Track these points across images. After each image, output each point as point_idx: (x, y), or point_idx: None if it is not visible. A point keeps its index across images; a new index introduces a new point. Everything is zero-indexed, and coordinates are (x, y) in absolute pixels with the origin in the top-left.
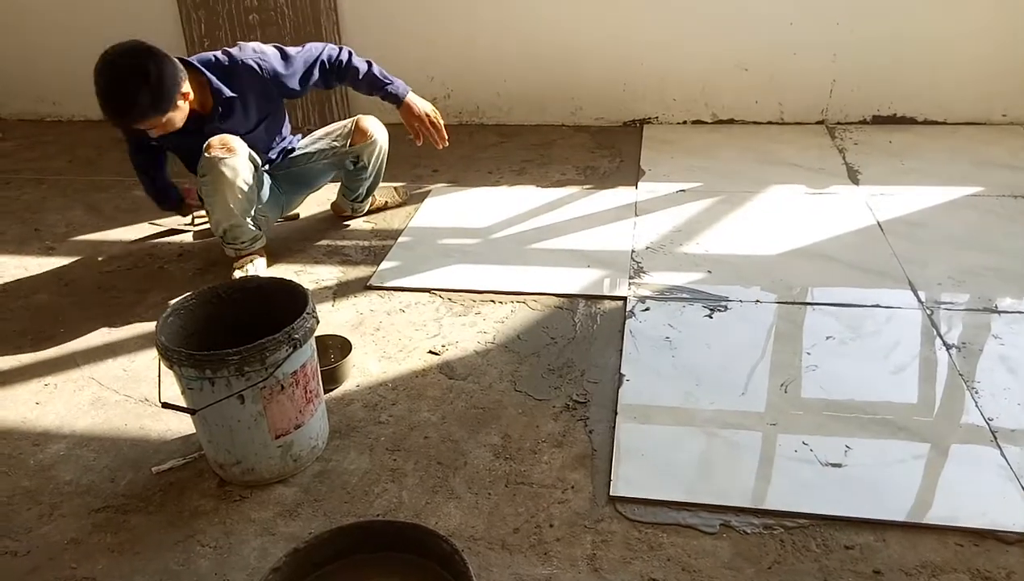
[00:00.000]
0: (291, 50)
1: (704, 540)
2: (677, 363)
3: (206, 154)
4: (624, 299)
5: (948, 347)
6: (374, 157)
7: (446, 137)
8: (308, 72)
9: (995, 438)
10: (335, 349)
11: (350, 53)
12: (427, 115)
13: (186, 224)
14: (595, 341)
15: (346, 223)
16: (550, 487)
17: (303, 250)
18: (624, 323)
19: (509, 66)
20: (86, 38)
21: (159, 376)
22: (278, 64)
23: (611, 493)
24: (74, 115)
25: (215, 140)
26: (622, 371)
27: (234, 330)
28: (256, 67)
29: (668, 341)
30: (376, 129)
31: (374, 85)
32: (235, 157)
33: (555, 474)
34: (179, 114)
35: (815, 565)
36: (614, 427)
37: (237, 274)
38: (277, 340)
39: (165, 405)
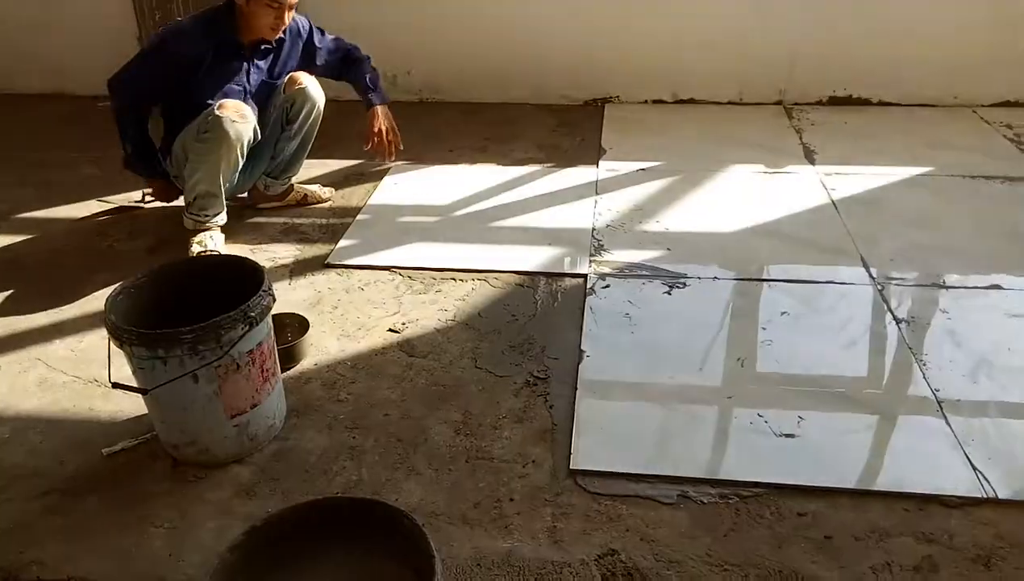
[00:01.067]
0: (323, 30)
1: (662, 510)
2: (636, 339)
3: (217, 113)
4: (584, 276)
5: (898, 321)
6: (305, 109)
7: (394, 154)
8: (333, 53)
9: (941, 408)
10: (292, 328)
11: (368, 57)
12: (387, 130)
13: (136, 201)
14: (556, 318)
15: (263, 210)
16: (511, 462)
17: (259, 228)
18: (584, 300)
19: (472, 43)
20: (35, 9)
21: (109, 355)
22: (315, 33)
23: (571, 467)
24: (22, 88)
25: (229, 103)
26: (582, 347)
27: (187, 309)
28: (299, 26)
29: (628, 318)
30: (309, 81)
31: (370, 84)
32: (246, 125)
33: (516, 449)
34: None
35: (768, 532)
36: (574, 402)
37: (195, 249)
38: (232, 318)
39: (115, 385)
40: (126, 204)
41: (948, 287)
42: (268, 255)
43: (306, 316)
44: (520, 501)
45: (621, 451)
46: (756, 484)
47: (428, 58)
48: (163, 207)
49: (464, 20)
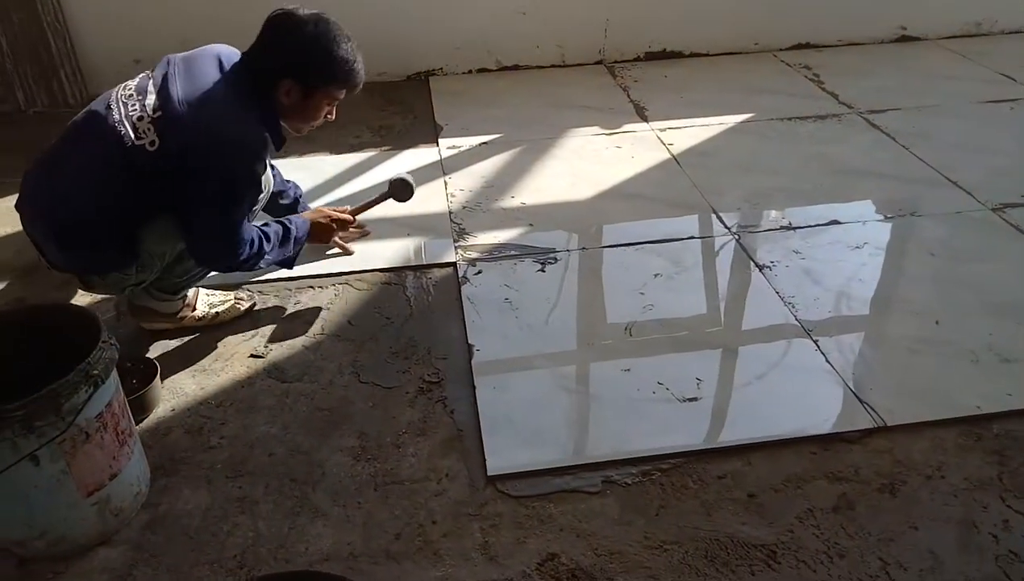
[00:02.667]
0: None
1: (591, 501)
2: (522, 323)
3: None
4: (454, 265)
5: (760, 268)
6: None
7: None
8: None
9: (818, 346)
10: (136, 373)
11: None
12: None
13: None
14: (434, 314)
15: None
16: (423, 480)
17: None
18: (460, 290)
19: None
20: None
21: None
22: None
23: (488, 473)
24: None
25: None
26: (470, 341)
27: (9, 376)
28: None
29: (508, 302)
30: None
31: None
32: None
33: (425, 465)
34: None
35: (696, 501)
36: (475, 402)
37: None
38: (71, 382)
39: None
40: None
41: (795, 228)
42: (85, 292)
43: (149, 356)
44: (443, 522)
45: (535, 446)
46: (673, 455)
47: (228, 36)
48: None
49: None
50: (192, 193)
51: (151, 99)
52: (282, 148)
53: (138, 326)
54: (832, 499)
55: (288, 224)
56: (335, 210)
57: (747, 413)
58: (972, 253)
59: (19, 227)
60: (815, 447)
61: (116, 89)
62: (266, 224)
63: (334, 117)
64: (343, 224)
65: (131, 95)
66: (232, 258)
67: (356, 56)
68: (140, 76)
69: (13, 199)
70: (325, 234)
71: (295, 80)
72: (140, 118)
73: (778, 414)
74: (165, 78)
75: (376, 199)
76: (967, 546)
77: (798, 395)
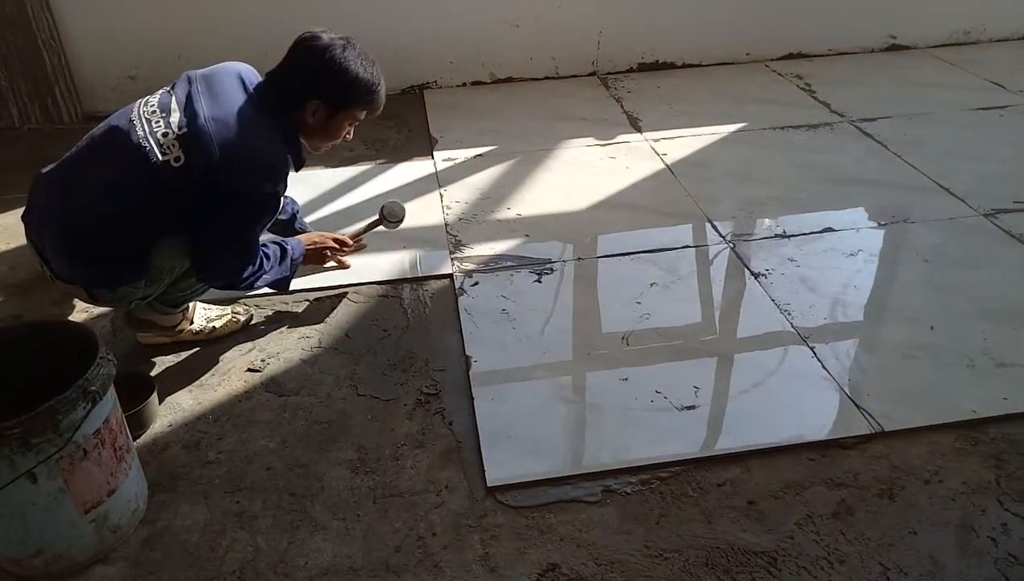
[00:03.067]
0: None
1: (591, 511)
2: (519, 334)
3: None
4: (450, 276)
5: (756, 276)
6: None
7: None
8: None
9: (814, 353)
10: (132, 388)
11: None
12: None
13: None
14: (431, 326)
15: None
16: (422, 493)
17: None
18: (456, 301)
19: (271, 37)
20: None
21: None
22: None
23: (488, 484)
24: None
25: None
26: (467, 353)
27: (7, 392)
28: None
29: (505, 313)
30: None
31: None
32: None
33: (424, 477)
34: None
35: (696, 509)
36: (473, 413)
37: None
38: (70, 398)
39: None
40: None
41: (790, 236)
42: (81, 307)
43: (145, 371)
44: (443, 534)
45: (534, 456)
46: (672, 463)
47: (223, 56)
48: None
49: (260, 11)
50: (212, 209)
51: (176, 116)
52: (302, 168)
53: (135, 342)
54: (831, 505)
55: (285, 245)
56: (331, 235)
57: (745, 420)
58: (965, 259)
59: (13, 243)
60: (813, 453)
61: (137, 105)
62: (264, 245)
63: (352, 137)
64: (339, 245)
65: (154, 111)
66: (236, 276)
67: (380, 79)
68: (160, 92)
69: (8, 216)
70: (320, 258)
71: (322, 101)
72: (165, 135)
73: (776, 421)
74: (189, 96)
75: (370, 225)
76: (966, 550)
77: (795, 402)
